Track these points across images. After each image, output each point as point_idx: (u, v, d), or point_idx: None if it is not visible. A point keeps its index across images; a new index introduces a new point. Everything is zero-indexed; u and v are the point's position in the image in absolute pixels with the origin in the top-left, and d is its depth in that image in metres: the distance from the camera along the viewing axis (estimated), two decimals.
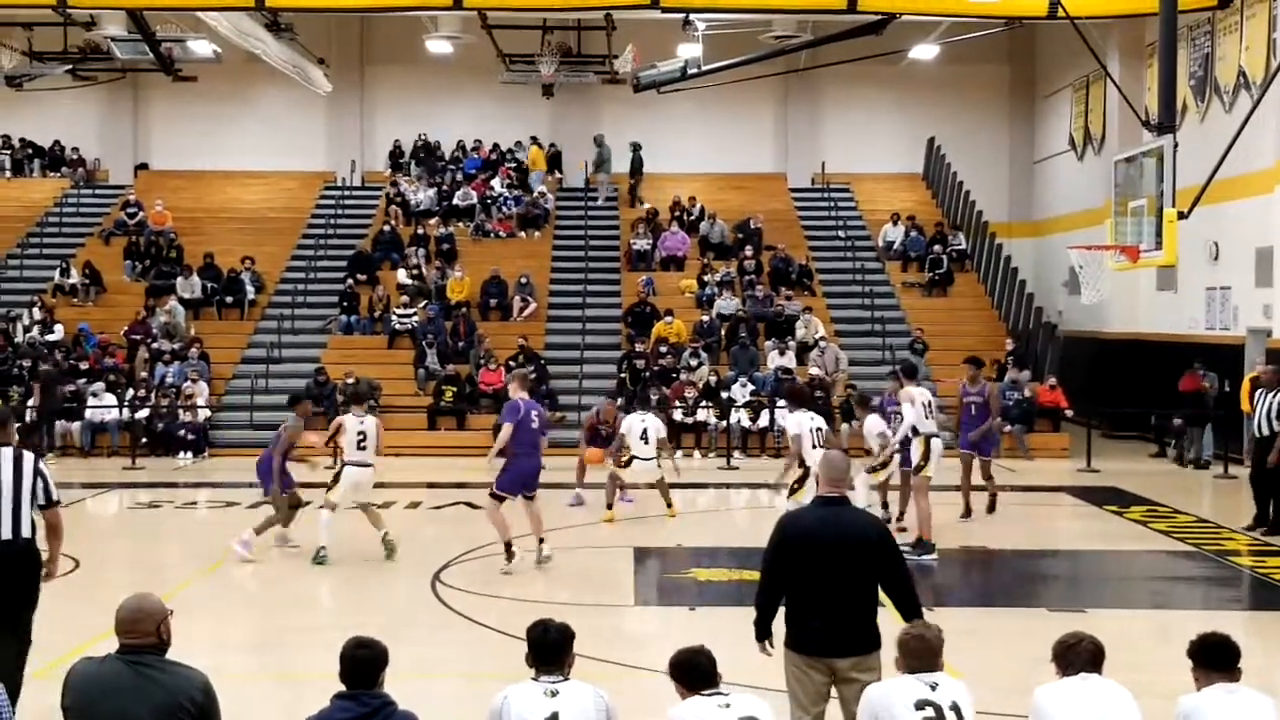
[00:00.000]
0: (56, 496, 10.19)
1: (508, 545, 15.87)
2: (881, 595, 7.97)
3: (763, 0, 27.82)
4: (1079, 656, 6.77)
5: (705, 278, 34.16)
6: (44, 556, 10.29)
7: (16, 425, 11.29)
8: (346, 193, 40.01)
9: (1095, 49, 23.95)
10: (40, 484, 10.08)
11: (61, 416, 28.60)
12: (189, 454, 28.25)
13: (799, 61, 34.98)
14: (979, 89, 40.55)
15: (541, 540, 16.28)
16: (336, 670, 6.32)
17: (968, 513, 20.24)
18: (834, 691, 7.92)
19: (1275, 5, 25.46)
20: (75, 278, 34.20)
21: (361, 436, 16.81)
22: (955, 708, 6.60)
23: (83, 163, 41.10)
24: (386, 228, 36.38)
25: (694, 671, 6.70)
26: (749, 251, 34.93)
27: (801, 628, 7.89)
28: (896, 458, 18.17)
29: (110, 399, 28.80)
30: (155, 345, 31.04)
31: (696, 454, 28.72)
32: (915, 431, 17.49)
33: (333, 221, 38.07)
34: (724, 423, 28.65)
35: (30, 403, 28.34)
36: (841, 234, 37.59)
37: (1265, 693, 6.73)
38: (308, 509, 17.50)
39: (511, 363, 29.83)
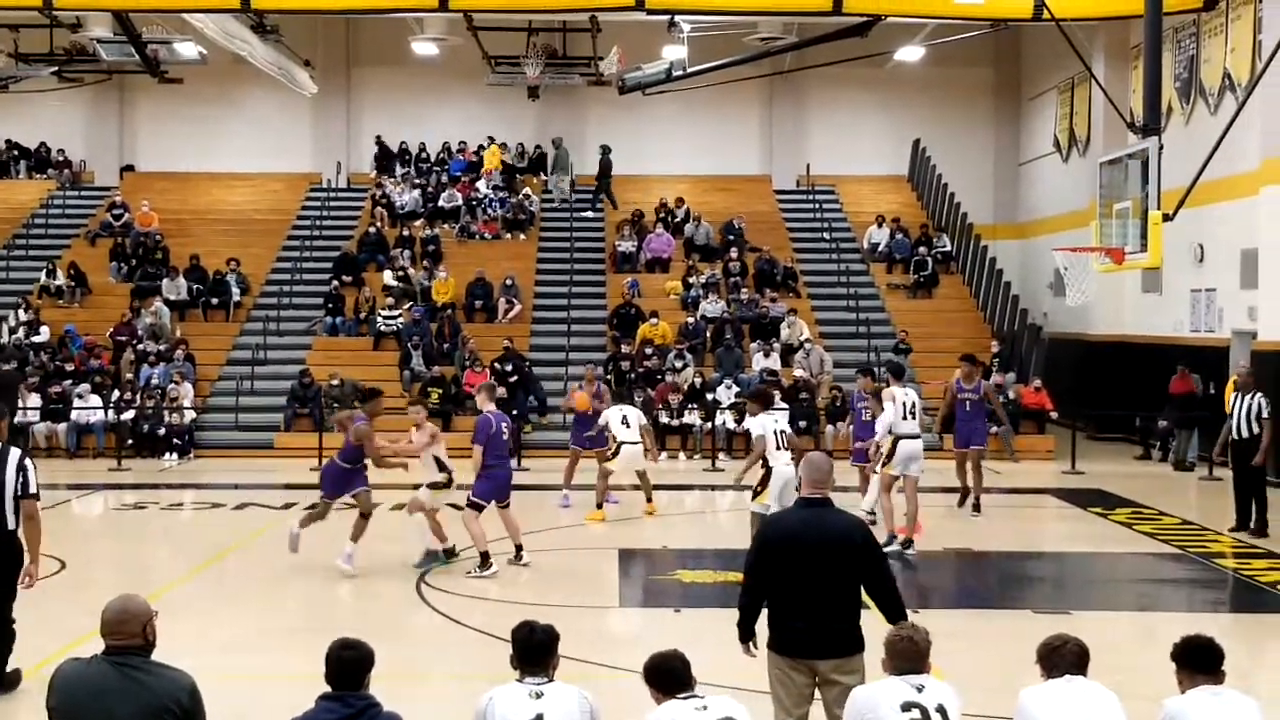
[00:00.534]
0: (35, 489, 10.51)
1: (484, 555, 15.88)
2: (865, 597, 7.98)
3: (748, 2, 27.81)
4: (1064, 658, 6.78)
5: (690, 280, 34.17)
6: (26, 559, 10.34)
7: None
8: (332, 194, 39.97)
9: (1080, 51, 23.97)
10: (21, 477, 10.55)
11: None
12: (174, 455, 28.22)
13: (784, 63, 35.00)
14: (964, 91, 40.63)
15: (519, 547, 16.29)
16: (322, 671, 6.31)
17: (963, 501, 20.97)
18: (817, 694, 7.93)
19: (1260, 7, 25.51)
20: (61, 279, 34.13)
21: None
22: (941, 710, 6.61)
23: (69, 164, 41.04)
24: (372, 229, 36.36)
25: (668, 676, 6.69)
26: (734, 253, 34.96)
27: (784, 629, 7.89)
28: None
29: (96, 400, 28.76)
30: (141, 346, 30.98)
31: (681, 456, 28.75)
32: (889, 430, 17.75)
33: (318, 223, 38.04)
34: (709, 425, 28.67)
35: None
36: (826, 236, 37.64)
37: (1249, 695, 6.74)
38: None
39: (496, 364, 29.86)
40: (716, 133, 40.75)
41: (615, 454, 20.28)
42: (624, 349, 31.09)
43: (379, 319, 32.36)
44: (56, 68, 37.89)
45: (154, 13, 31.49)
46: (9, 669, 10.84)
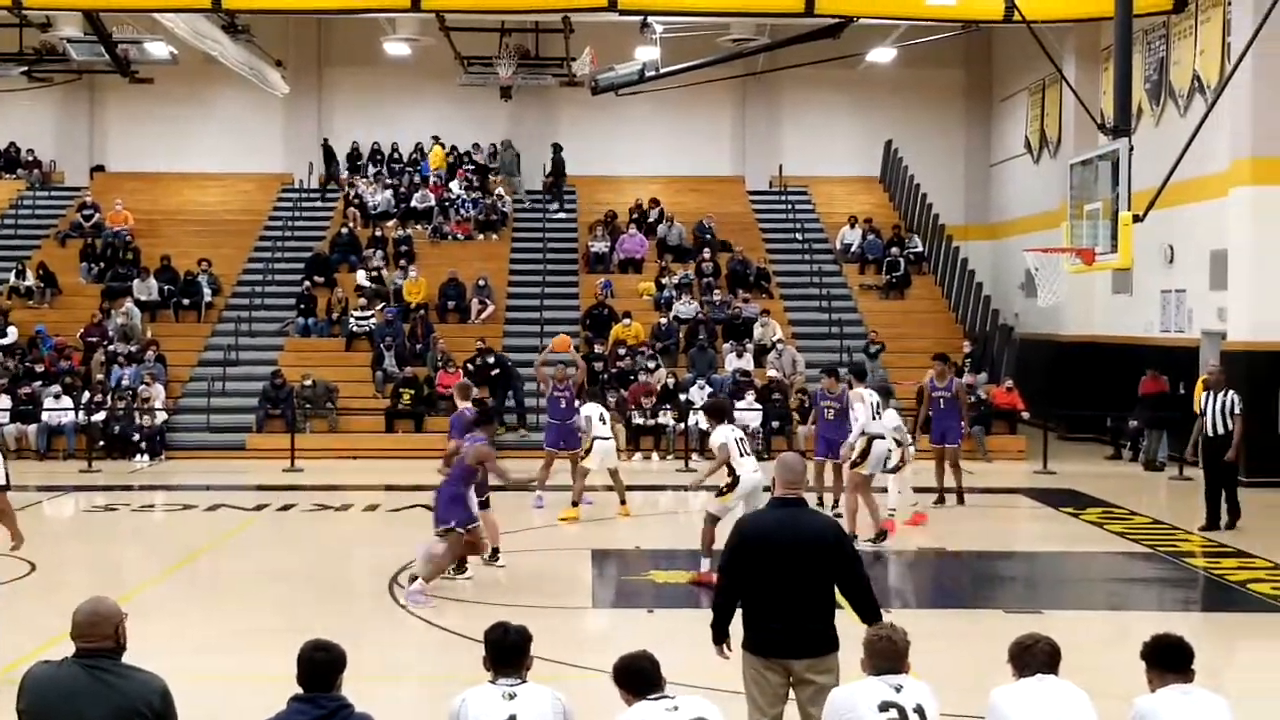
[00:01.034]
0: (4, 480, 10.66)
1: (495, 551, 16.01)
2: (839, 597, 8.00)
3: (721, 3, 27.83)
4: (1035, 658, 6.80)
5: (663, 280, 34.19)
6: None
7: None
8: (304, 195, 39.85)
9: (1051, 53, 24.04)
10: None
11: None
12: (145, 457, 28.11)
13: (757, 64, 35.03)
14: (936, 92, 40.73)
15: (495, 549, 16.28)
16: (294, 673, 6.30)
17: (941, 499, 21.35)
18: (791, 694, 7.95)
19: (1229, 10, 25.63)
20: (31, 280, 33.95)
21: None
22: (919, 710, 6.62)
23: (38, 164, 40.83)
24: (344, 230, 36.27)
25: (638, 676, 6.68)
26: (707, 254, 35.00)
27: (759, 629, 7.91)
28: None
29: (66, 402, 28.62)
30: (111, 347, 30.85)
31: (655, 456, 28.77)
32: (862, 431, 18.02)
33: (290, 223, 37.94)
34: (681, 425, 28.67)
35: None
36: (799, 237, 37.69)
37: (1219, 693, 6.78)
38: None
39: (469, 365, 29.83)
40: (689, 133, 40.77)
41: (589, 451, 20.35)
42: (597, 349, 31.09)
43: (351, 320, 32.28)
44: (26, 67, 37.67)
45: (124, 12, 31.35)
46: None
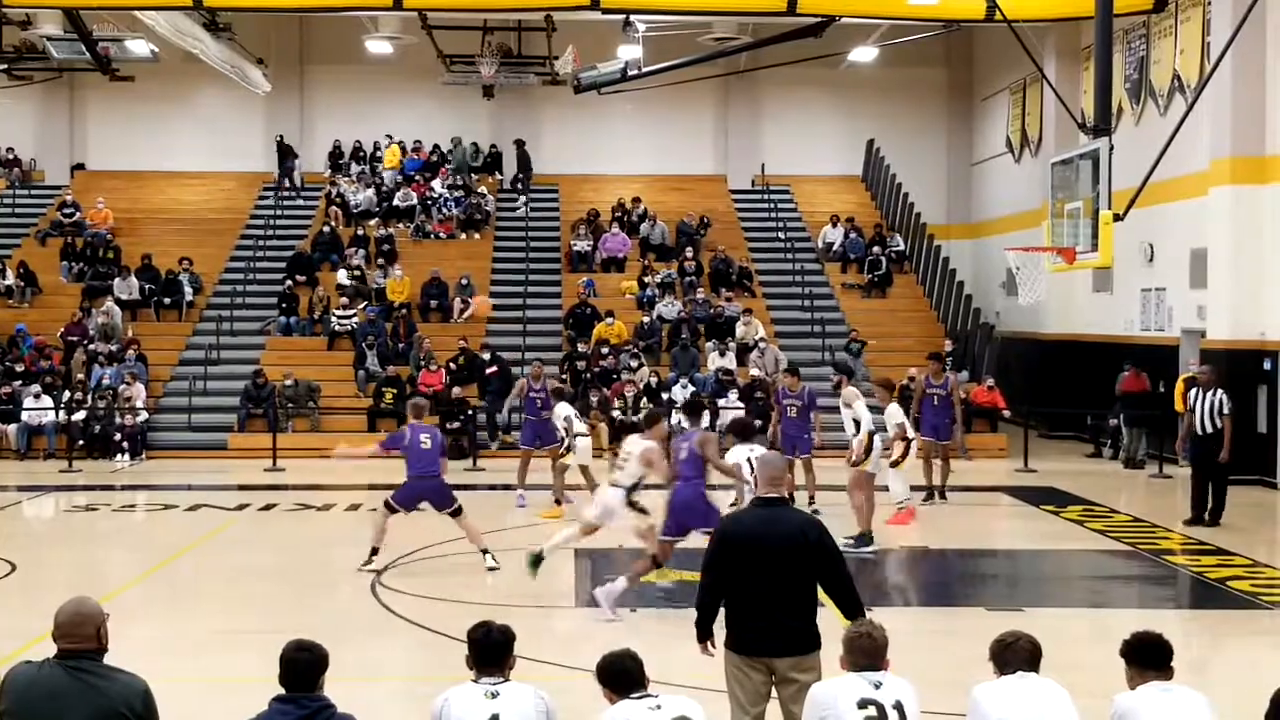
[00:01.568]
0: None
1: (374, 549, 16.18)
2: (822, 595, 8.02)
3: (703, 2, 27.86)
4: (1016, 655, 6.83)
5: (646, 279, 34.20)
6: None
7: None
8: (286, 193, 39.77)
9: (1032, 52, 24.09)
10: None
11: None
12: (126, 456, 28.04)
13: (739, 63, 35.07)
14: (917, 92, 40.78)
15: (485, 550, 16.30)
16: (276, 673, 6.30)
17: (930, 496, 21.67)
18: (774, 692, 7.96)
19: (1209, 9, 25.72)
20: (10, 279, 33.85)
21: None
22: (899, 706, 6.64)
23: (18, 163, 40.68)
24: (326, 228, 36.22)
25: (620, 675, 6.69)
26: (689, 253, 35.02)
27: (742, 628, 7.93)
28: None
29: (46, 401, 28.54)
30: (92, 347, 30.77)
31: None
32: (857, 427, 18.12)
33: (272, 222, 37.87)
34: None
35: None
36: (781, 235, 37.73)
37: (1199, 690, 6.80)
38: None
39: (452, 364, 29.82)
40: (672, 132, 40.77)
41: (569, 448, 20.38)
42: (580, 348, 31.08)
43: (333, 319, 32.24)
44: (6, 65, 37.52)
45: (105, 10, 31.31)
46: None
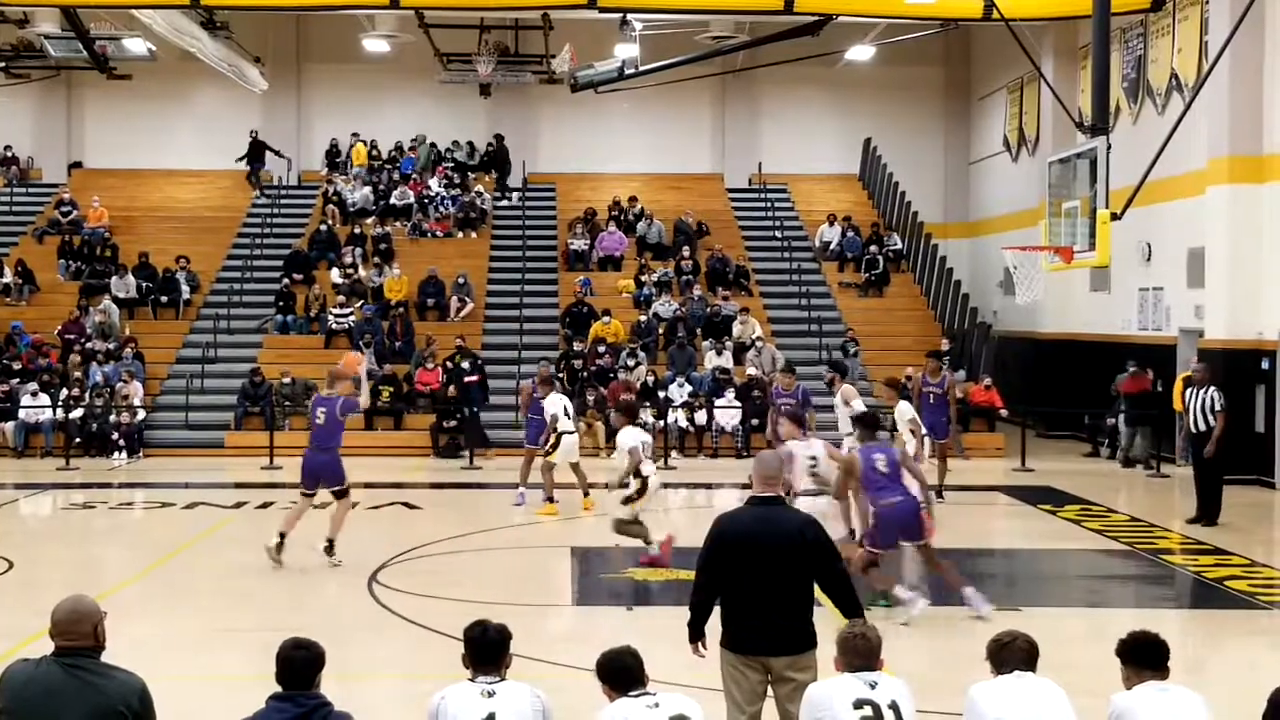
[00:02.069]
0: None
1: (281, 534, 16.24)
2: (819, 594, 8.02)
3: (700, 0, 27.86)
4: (1013, 655, 6.83)
5: (643, 278, 34.19)
6: None
7: None
8: (283, 192, 39.77)
9: (1029, 51, 24.13)
10: None
11: None
12: (123, 454, 28.01)
13: (736, 62, 35.08)
14: (915, 91, 40.77)
15: (330, 543, 16.28)
16: (273, 671, 6.29)
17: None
18: (770, 690, 7.95)
19: (1207, 8, 25.72)
20: (8, 277, 33.82)
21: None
22: (894, 706, 6.64)
23: (16, 161, 40.65)
24: (323, 227, 36.21)
25: (620, 673, 6.70)
26: (686, 252, 35.01)
27: (738, 627, 7.92)
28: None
29: (44, 399, 28.52)
30: (89, 345, 30.76)
31: None
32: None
33: (269, 220, 37.86)
34: (661, 423, 28.66)
35: None
36: (778, 234, 37.72)
37: (1196, 690, 6.80)
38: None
39: (449, 363, 29.79)
40: (668, 131, 40.75)
41: (555, 446, 20.36)
42: (576, 347, 31.07)
43: (330, 317, 32.22)
44: (3, 64, 37.55)
45: (103, 8, 31.31)
46: None
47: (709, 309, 32.67)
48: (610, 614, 14.45)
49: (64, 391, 29.03)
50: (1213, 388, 19.77)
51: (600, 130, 40.16)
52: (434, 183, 38.63)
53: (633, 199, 37.81)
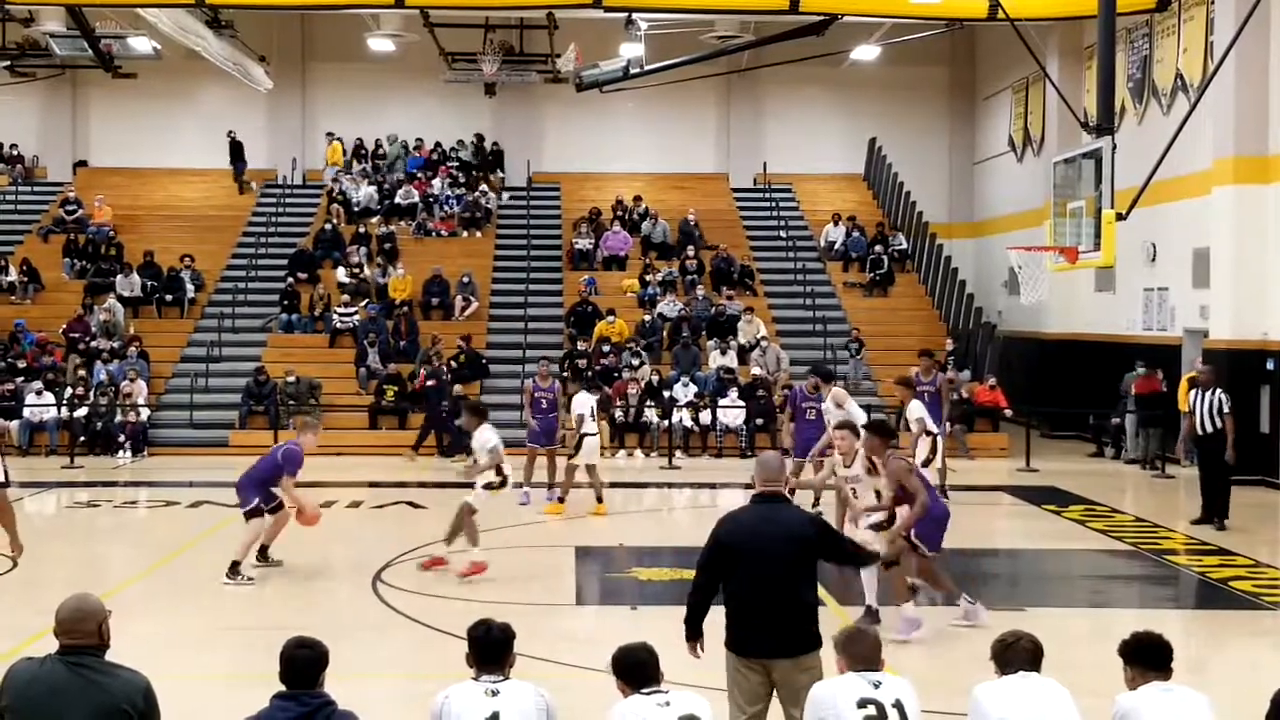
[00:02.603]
0: (3, 479, 10.83)
1: (264, 548, 16.14)
2: (822, 594, 8.01)
3: (705, 0, 27.84)
4: (1018, 655, 6.83)
5: (647, 277, 34.18)
6: None
7: None
8: (288, 191, 39.78)
9: (1034, 51, 24.06)
10: None
11: None
12: (128, 453, 28.03)
13: (741, 62, 35.03)
14: (920, 91, 40.75)
15: (237, 565, 15.96)
16: (277, 670, 6.29)
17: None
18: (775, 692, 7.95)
19: (1212, 8, 25.70)
20: (13, 275, 33.85)
21: None
22: (898, 705, 6.64)
23: (21, 159, 40.70)
24: (328, 226, 36.22)
25: (637, 668, 6.71)
26: (691, 251, 35.00)
27: (741, 628, 7.91)
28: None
29: (48, 398, 28.55)
30: (94, 343, 30.78)
31: (639, 453, 28.75)
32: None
33: (273, 220, 37.87)
34: (666, 422, 28.67)
35: None
36: (783, 234, 37.70)
37: (1200, 691, 6.80)
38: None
39: (453, 362, 29.78)
40: (673, 131, 40.74)
41: (579, 447, 20.31)
42: (581, 347, 31.07)
43: (335, 316, 32.23)
44: (9, 62, 37.54)
45: (107, 7, 31.28)
46: None
47: (713, 309, 32.67)
48: (614, 614, 14.46)
49: (68, 390, 29.05)
50: (1219, 389, 19.75)
51: (605, 130, 40.16)
52: (438, 182, 38.62)
53: (637, 198, 37.81)
